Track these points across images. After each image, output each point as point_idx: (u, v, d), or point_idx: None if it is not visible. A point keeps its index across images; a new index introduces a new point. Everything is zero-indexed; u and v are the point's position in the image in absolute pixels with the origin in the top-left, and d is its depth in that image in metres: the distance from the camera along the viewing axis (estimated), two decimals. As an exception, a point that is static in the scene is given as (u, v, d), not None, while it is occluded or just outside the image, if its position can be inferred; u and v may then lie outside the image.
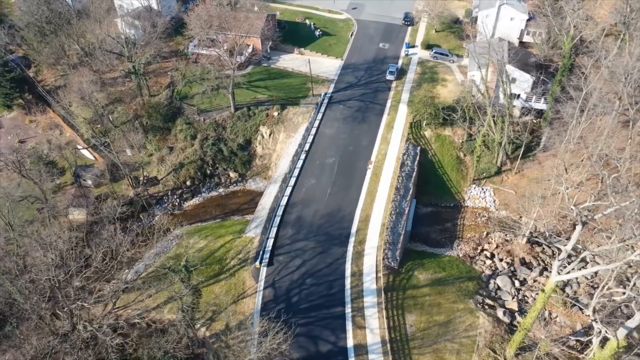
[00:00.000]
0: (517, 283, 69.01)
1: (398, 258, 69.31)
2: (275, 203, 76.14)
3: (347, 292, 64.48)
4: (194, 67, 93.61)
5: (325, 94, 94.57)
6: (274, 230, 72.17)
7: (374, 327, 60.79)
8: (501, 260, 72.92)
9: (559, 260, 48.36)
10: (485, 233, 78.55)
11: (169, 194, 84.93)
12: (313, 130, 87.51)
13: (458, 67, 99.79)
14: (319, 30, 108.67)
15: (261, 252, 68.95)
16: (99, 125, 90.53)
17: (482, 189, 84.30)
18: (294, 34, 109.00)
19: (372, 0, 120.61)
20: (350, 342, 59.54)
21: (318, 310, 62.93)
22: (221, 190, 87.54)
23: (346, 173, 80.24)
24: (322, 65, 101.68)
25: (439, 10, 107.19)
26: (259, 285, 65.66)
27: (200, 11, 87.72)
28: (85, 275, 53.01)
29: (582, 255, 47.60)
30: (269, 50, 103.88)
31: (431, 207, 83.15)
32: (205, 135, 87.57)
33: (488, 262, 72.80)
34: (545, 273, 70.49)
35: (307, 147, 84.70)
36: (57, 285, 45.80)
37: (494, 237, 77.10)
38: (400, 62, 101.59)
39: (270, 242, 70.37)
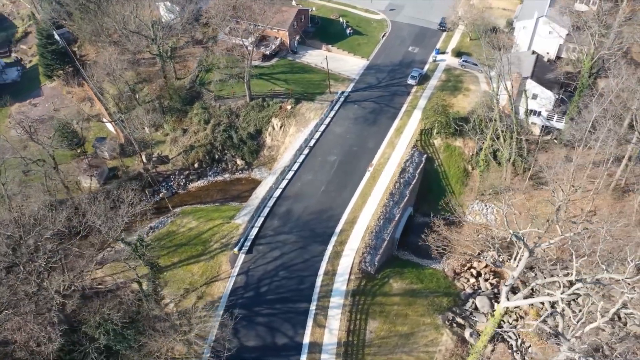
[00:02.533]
0: (496, 306, 66.07)
1: (376, 263, 68.56)
2: (268, 194, 77.35)
3: (316, 289, 64.66)
4: (220, 54, 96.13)
5: (343, 92, 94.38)
6: (260, 220, 73.52)
7: (333, 328, 60.67)
8: (486, 280, 70.20)
9: (506, 286, 46.19)
10: (478, 251, 75.71)
11: (177, 173, 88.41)
12: (322, 127, 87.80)
13: (485, 77, 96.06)
14: (350, 28, 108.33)
15: (242, 240, 70.52)
16: (125, 102, 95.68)
17: (485, 205, 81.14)
18: (326, 30, 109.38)
19: (412, 2, 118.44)
20: (306, 339, 59.82)
21: (284, 303, 63.60)
22: (226, 176, 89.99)
23: (345, 173, 79.95)
24: (347, 63, 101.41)
25: (475, 18, 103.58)
26: (233, 271, 67.25)
27: (219, 1, 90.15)
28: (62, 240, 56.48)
29: (531, 285, 45.11)
30: (296, 45, 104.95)
31: (429, 217, 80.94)
32: (218, 121, 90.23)
33: (472, 280, 70.29)
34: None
35: (312, 142, 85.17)
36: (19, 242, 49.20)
37: (487, 256, 74.17)
38: (426, 67, 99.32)
39: (254, 231, 71.79)
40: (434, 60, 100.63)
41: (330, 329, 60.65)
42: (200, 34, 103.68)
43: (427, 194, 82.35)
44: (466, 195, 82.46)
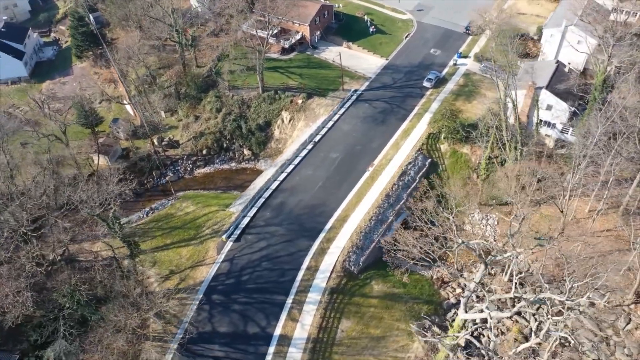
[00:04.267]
0: (478, 319, 64.18)
1: (361, 264, 68.05)
2: (266, 185, 78.12)
3: (296, 284, 64.95)
4: (229, 45, 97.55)
5: (356, 90, 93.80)
6: (253, 210, 74.48)
7: (306, 323, 60.83)
8: (474, 292, 68.08)
9: (463, 297, 44.90)
10: (472, 261, 73.76)
11: (185, 158, 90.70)
12: (330, 124, 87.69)
13: (502, 83, 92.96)
14: (373, 27, 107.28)
15: (232, 228, 71.65)
16: (145, 86, 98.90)
17: (486, 215, 78.74)
18: (349, 27, 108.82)
19: (442, 3, 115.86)
20: (277, 331, 60.30)
21: (262, 293, 64.28)
22: (233, 164, 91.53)
23: (344, 171, 79.62)
24: (365, 62, 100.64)
25: (503, 22, 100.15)
26: (219, 258, 68.53)
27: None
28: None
29: (488, 299, 43.63)
30: (317, 40, 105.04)
31: (425, 222, 79.40)
32: (229, 110, 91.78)
33: (458, 290, 68.51)
34: (515, 317, 64.65)
35: (317, 138, 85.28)
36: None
37: (480, 267, 71.99)
38: (445, 71, 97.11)
39: (245, 221, 72.83)
40: (455, 64, 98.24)
41: (303, 323, 60.80)
42: (223, 25, 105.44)
43: (427, 199, 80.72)
44: (467, 204, 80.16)
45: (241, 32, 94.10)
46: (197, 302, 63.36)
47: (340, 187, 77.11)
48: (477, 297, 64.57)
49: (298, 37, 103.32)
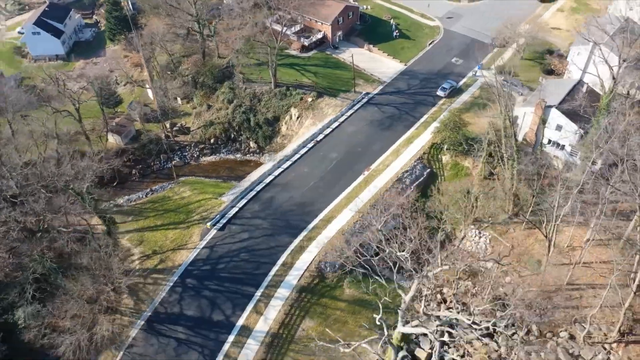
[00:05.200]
0: (446, 336, 62.41)
1: (337, 266, 67.80)
2: (260, 178, 79.22)
3: (268, 278, 65.66)
4: (238, 40, 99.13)
5: (368, 93, 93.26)
6: (243, 201, 75.77)
7: (269, 317, 61.44)
8: (449, 308, 66.39)
9: (400, 310, 44.13)
10: (456, 278, 71.74)
11: (193, 145, 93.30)
12: (335, 124, 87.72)
13: (524, 100, 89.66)
14: (397, 31, 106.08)
15: (219, 217, 73.23)
16: (168, 72, 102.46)
17: (480, 232, 76.36)
18: (374, 30, 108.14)
19: (474, 12, 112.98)
20: (240, 322, 61.25)
21: (234, 283, 65.43)
22: (238, 155, 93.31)
23: (340, 172, 79.48)
24: (383, 65, 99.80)
25: (532, 36, 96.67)
26: (200, 244, 70.25)
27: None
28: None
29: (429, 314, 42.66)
30: (338, 40, 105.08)
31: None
32: (240, 102, 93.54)
33: (433, 304, 66.92)
34: (486, 340, 62.48)
35: (320, 137, 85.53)
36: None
37: (462, 285, 70.17)
38: (462, 81, 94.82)
39: (233, 211, 74.26)
40: (474, 75, 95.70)
41: (267, 317, 61.43)
42: (250, 18, 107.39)
43: (422, 209, 79.32)
44: (462, 219, 78.04)
45: (253, 26, 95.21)
46: (171, 284, 65.31)
47: (333, 188, 77.06)
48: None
49: (319, 36, 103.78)
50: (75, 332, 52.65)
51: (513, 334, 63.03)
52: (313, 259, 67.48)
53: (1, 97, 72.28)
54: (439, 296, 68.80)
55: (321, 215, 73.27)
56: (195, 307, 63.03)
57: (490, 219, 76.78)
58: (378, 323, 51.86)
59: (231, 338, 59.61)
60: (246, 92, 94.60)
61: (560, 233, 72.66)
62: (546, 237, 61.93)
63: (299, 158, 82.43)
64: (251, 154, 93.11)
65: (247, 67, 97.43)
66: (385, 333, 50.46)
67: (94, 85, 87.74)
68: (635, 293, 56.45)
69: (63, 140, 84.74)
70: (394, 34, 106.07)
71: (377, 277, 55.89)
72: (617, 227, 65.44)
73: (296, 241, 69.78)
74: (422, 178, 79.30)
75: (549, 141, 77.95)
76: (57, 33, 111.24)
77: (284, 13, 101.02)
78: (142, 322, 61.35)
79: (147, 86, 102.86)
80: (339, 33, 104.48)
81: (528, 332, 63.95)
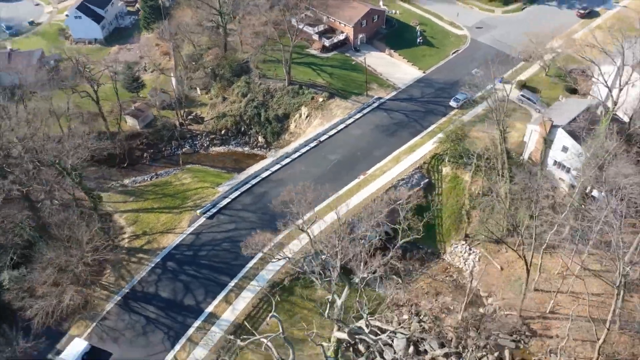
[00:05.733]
0: (411, 349, 61.43)
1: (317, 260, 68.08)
2: (257, 172, 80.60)
3: (244, 270, 67.01)
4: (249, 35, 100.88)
5: (379, 98, 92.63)
6: (236, 193, 77.44)
7: (237, 308, 62.74)
8: (420, 322, 65.18)
9: (333, 316, 44.02)
10: (437, 293, 70.36)
11: (204, 135, 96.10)
12: (341, 126, 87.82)
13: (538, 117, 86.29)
14: (421, 38, 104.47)
15: (210, 205, 75.21)
16: (193, 62, 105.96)
17: (470, 249, 74.30)
18: (399, 35, 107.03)
19: (507, 23, 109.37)
20: (209, 309, 62.88)
21: (211, 270, 67.18)
22: (246, 148, 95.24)
23: (336, 174, 79.58)
24: (401, 71, 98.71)
25: (558, 53, 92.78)
26: (187, 230, 72.49)
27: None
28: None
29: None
30: (360, 43, 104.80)
31: (406, 243, 76.83)
32: (254, 96, 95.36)
33: (406, 316, 65.86)
34: (451, 358, 60.96)
35: (323, 137, 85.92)
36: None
37: (440, 299, 68.67)
38: (478, 93, 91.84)
39: (224, 202, 76.07)
40: (492, 88, 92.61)
41: (235, 307, 62.71)
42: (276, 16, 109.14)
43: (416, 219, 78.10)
44: (455, 233, 76.29)
45: (264, 23, 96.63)
46: (152, 265, 67.85)
47: (325, 188, 76.99)
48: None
49: (341, 37, 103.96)
50: (46, 298, 55.93)
51: (482, 357, 61.15)
52: (295, 254, 68.00)
53: (17, 74, 77.22)
54: (413, 308, 67.63)
55: (308, 215, 73.52)
56: (170, 289, 65.21)
57: (483, 236, 74.66)
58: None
59: (197, 323, 61.33)
60: (260, 87, 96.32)
61: (552, 259, 69.67)
62: (524, 260, 59.55)
63: (298, 156, 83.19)
64: (258, 148, 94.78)
65: (264, 63, 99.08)
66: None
67: (112, 70, 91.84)
68: (608, 329, 53.40)
69: (82, 120, 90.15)
70: (418, 40, 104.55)
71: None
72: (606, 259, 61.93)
73: (279, 237, 70.49)
74: (418, 188, 78.04)
75: (554, 162, 74.72)
76: (98, 18, 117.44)
77: (305, 12, 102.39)
78: (119, 298, 64.19)
79: (172, 75, 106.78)
80: (361, 36, 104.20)
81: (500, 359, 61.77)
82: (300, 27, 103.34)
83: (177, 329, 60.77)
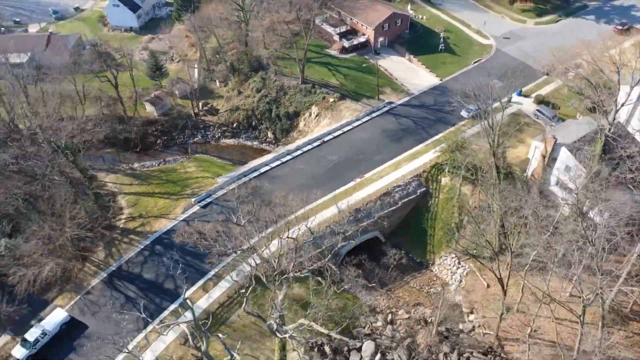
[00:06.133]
0: (378, 357, 60.73)
1: (299, 259, 68.50)
2: (256, 167, 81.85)
3: (227, 261, 68.12)
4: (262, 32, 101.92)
5: (390, 103, 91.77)
6: (232, 185, 78.88)
7: (212, 297, 64.26)
8: (394, 330, 64.27)
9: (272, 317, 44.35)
10: (417, 303, 69.22)
11: (217, 126, 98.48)
12: (347, 128, 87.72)
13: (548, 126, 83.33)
14: (443, 45, 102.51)
15: (205, 195, 77.13)
16: (217, 55, 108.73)
17: (459, 263, 72.53)
18: (422, 40, 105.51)
19: (537, 35, 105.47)
20: (186, 294, 64.27)
21: (194, 257, 68.84)
22: (255, 143, 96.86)
23: (333, 175, 79.68)
24: (418, 77, 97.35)
25: (583, 68, 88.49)
26: (180, 216, 74.65)
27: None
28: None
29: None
30: (380, 46, 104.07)
31: (395, 250, 75.96)
32: (267, 92, 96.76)
33: (380, 323, 65.13)
34: (418, 370, 59.82)
35: (327, 138, 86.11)
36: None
37: (418, 310, 67.52)
38: (494, 105, 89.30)
39: (219, 193, 77.76)
40: (509, 101, 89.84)
41: (210, 296, 64.19)
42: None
43: (406, 227, 77.17)
44: (446, 245, 74.61)
45: (277, 22, 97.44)
46: (141, 247, 70.36)
47: (320, 188, 77.24)
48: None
49: (362, 39, 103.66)
50: (29, 268, 59.37)
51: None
52: (275, 250, 68.75)
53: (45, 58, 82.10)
54: (389, 316, 66.72)
55: (298, 212, 73.90)
56: (153, 272, 67.45)
57: (475, 251, 72.64)
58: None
59: (172, 307, 63.25)
60: (275, 83, 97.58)
61: (542, 281, 66.87)
62: (499, 280, 57.62)
63: (299, 154, 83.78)
64: (267, 144, 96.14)
65: (282, 60, 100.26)
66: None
67: (125, 58, 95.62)
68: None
69: (103, 104, 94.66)
70: (440, 47, 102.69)
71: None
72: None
73: (266, 231, 71.30)
74: (414, 196, 76.99)
75: (557, 182, 71.69)
76: (134, 7, 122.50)
77: (330, 12, 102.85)
78: (105, 275, 67.09)
79: (195, 66, 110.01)
80: (382, 39, 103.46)
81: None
82: (323, 27, 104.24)
83: (152, 310, 62.77)
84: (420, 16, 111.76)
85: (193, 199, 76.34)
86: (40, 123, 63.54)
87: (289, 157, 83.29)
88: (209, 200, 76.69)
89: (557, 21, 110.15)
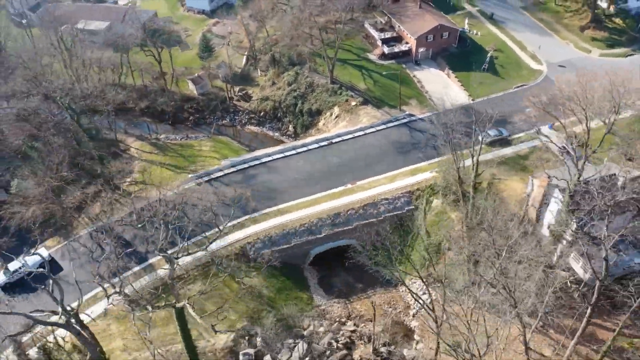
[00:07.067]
0: (309, 359, 60.87)
1: (261, 254, 70.31)
2: (260, 156, 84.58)
3: (199, 237, 71.77)
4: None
5: (410, 115, 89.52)
6: (231, 170, 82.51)
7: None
8: (333, 339, 63.75)
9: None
10: (369, 319, 67.83)
11: (246, 112, 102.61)
12: (359, 133, 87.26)
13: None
14: (486, 64, 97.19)
15: (203, 173, 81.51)
16: (266, 46, 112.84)
17: (428, 289, 69.45)
18: (466, 56, 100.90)
19: (598, 70, 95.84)
20: (151, 260, 69.54)
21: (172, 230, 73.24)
22: (276, 134, 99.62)
23: (328, 175, 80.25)
24: (448, 93, 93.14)
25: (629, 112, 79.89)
26: (176, 189, 79.30)
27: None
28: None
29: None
30: (421, 57, 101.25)
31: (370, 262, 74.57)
32: (297, 87, 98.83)
33: (322, 329, 64.95)
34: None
35: (335, 140, 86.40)
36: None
37: (367, 326, 66.25)
38: (518, 135, 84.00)
39: (217, 174, 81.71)
40: (537, 132, 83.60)
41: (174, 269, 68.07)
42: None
43: (388, 243, 75.22)
44: (420, 267, 71.70)
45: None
46: (131, 210, 76.21)
47: (311, 187, 78.41)
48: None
49: (404, 47, 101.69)
50: (20, 207, 67.47)
51: None
52: (244, 238, 71.33)
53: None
54: (335, 325, 66.16)
55: (281, 206, 75.82)
56: (132, 235, 72.98)
57: (446, 280, 69.23)
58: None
59: (136, 269, 68.30)
60: (306, 79, 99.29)
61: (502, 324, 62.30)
62: (434, 318, 54.89)
63: (304, 151, 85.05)
64: (286, 137, 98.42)
65: (321, 57, 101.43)
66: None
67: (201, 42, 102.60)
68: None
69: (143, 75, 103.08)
70: (483, 66, 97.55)
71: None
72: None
73: (244, 217, 74.09)
74: (399, 212, 75.09)
75: (548, 226, 65.91)
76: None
77: (381, 17, 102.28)
78: (93, 228, 73.98)
79: (245, 53, 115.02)
80: (423, 50, 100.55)
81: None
82: (370, 30, 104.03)
83: (119, 268, 68.17)
84: (475, 32, 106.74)
85: (190, 175, 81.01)
86: (61, 83, 71.61)
87: (292, 152, 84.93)
88: (206, 179, 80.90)
89: (628, 55, 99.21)
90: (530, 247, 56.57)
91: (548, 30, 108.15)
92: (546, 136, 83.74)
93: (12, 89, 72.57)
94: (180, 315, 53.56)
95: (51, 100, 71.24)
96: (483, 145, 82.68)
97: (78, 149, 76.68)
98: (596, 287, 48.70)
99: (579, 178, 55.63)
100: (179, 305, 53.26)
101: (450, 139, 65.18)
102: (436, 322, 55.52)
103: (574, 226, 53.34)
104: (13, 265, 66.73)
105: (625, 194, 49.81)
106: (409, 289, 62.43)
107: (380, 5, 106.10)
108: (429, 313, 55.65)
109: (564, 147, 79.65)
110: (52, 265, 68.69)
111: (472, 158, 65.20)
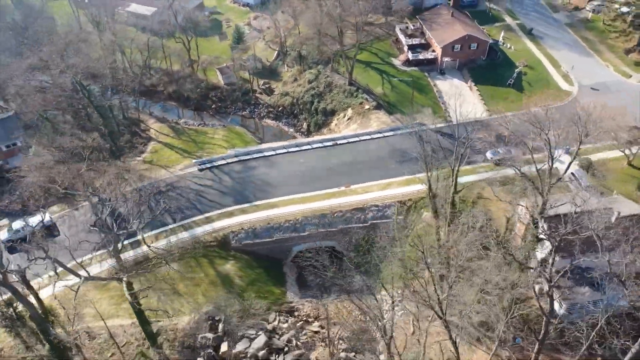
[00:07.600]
0: (263, 353, 61.70)
1: (243, 244, 72.45)
2: (265, 149, 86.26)
3: (186, 220, 74.86)
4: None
5: (421, 124, 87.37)
6: (233, 159, 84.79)
7: (157, 245, 71.12)
8: (294, 337, 64.25)
9: None
10: (338, 324, 67.75)
11: (265, 106, 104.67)
12: (364, 137, 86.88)
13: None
14: (512, 80, 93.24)
15: (207, 160, 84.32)
16: (298, 43, 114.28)
17: (401, 301, 68.48)
18: (493, 69, 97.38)
19: (635, 96, 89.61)
20: (138, 236, 72.57)
21: (166, 211, 76.58)
22: (291, 129, 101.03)
23: (323, 175, 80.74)
24: (466, 106, 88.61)
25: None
26: (177, 172, 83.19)
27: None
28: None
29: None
30: (446, 66, 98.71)
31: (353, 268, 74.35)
32: (316, 85, 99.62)
33: (286, 325, 65.52)
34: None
35: (340, 141, 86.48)
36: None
37: (333, 329, 66.21)
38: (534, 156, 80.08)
39: (219, 162, 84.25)
40: (551, 157, 79.32)
41: (156, 245, 71.05)
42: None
43: (371, 249, 74.70)
44: (398, 279, 70.71)
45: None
46: (133, 187, 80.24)
47: (306, 185, 79.17)
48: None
49: (429, 55, 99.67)
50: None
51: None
52: (228, 226, 73.33)
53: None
54: (300, 323, 66.59)
55: (272, 200, 77.10)
56: (127, 211, 76.59)
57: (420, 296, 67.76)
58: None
59: (125, 242, 71.99)
60: (326, 79, 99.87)
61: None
62: (387, 342, 54.18)
63: (306, 149, 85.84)
64: (300, 133, 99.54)
65: (346, 59, 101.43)
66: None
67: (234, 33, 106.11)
68: None
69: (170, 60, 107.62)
70: (508, 81, 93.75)
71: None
72: None
73: (234, 207, 76.10)
74: (387, 220, 74.18)
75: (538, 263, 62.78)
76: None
77: (414, 22, 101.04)
78: (96, 199, 78.51)
79: (277, 48, 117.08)
80: (449, 59, 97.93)
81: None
82: (400, 35, 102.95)
83: (109, 241, 72.15)
84: (509, 45, 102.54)
85: (194, 161, 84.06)
86: (79, 62, 76.75)
87: (295, 149, 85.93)
88: (208, 165, 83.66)
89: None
90: (497, 272, 54.53)
91: (589, 49, 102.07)
92: (559, 160, 79.71)
93: (37, 60, 78.62)
94: (129, 288, 56.58)
95: (66, 75, 76.56)
96: (489, 164, 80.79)
97: (89, 125, 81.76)
98: (543, 323, 46.26)
99: (543, 206, 52.62)
100: (125, 279, 56.35)
101: (424, 154, 63.43)
102: (385, 334, 54.77)
103: (538, 257, 50.62)
104: (16, 225, 72.37)
105: (570, 227, 46.82)
106: (374, 297, 61.75)
107: (400, 11, 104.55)
108: (377, 324, 54.87)
109: (574, 174, 75.97)
110: (52, 229, 74.15)
111: (453, 174, 63.12)
